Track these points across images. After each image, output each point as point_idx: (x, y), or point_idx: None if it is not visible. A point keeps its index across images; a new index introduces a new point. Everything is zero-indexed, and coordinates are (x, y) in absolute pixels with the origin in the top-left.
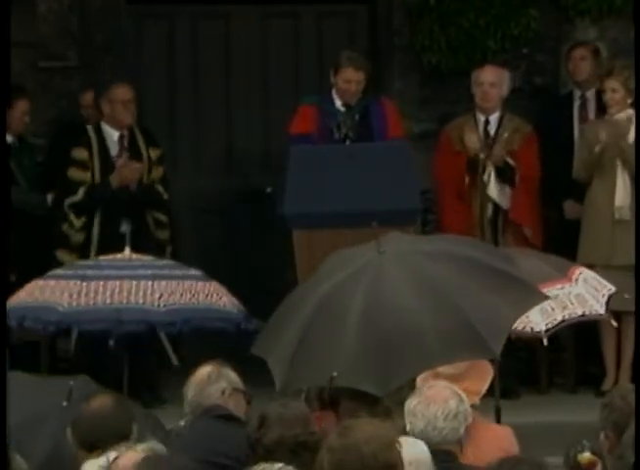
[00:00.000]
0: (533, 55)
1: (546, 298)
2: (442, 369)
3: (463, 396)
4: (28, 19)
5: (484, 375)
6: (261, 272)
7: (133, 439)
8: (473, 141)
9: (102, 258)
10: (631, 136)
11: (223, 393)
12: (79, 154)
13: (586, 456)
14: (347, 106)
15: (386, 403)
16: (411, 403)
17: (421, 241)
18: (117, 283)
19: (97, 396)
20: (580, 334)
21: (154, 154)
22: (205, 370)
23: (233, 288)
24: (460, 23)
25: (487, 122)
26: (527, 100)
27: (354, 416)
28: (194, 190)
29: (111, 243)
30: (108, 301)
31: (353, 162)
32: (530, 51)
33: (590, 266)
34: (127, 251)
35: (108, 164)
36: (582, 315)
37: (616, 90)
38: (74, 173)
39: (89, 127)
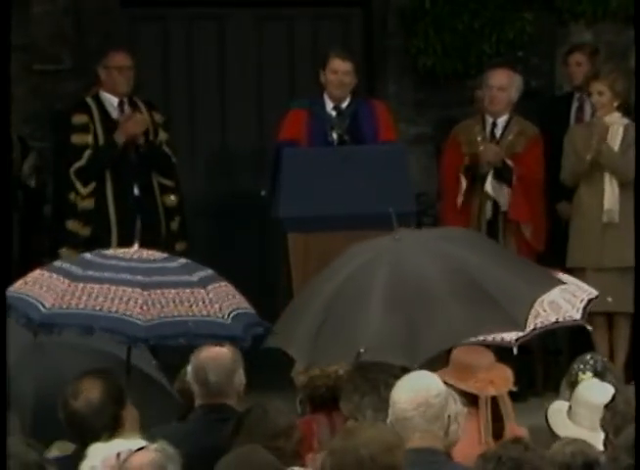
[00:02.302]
0: (528, 58)
1: (562, 283)
2: (472, 360)
3: (446, 391)
4: (23, 21)
5: (506, 367)
6: (256, 276)
7: (130, 427)
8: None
9: (121, 255)
10: (617, 139)
11: (240, 385)
12: (79, 119)
13: (586, 378)
14: (338, 109)
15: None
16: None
17: (434, 230)
18: (174, 291)
19: (83, 389)
20: (576, 337)
21: (158, 118)
22: (227, 354)
23: None
24: (455, 27)
25: (495, 125)
26: (523, 103)
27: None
28: (188, 192)
29: (126, 207)
30: (175, 313)
31: (348, 164)
32: (525, 54)
33: (581, 270)
34: (136, 246)
35: (110, 126)
36: (556, 322)
37: (602, 93)
38: (76, 139)
39: (88, 98)
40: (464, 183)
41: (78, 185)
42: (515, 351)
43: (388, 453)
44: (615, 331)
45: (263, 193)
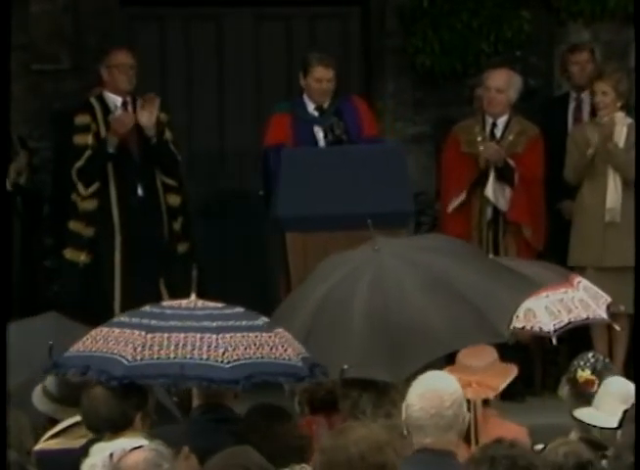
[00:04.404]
0: (526, 57)
1: (539, 287)
2: (469, 361)
3: (460, 398)
4: (21, 20)
5: (505, 373)
6: (254, 276)
7: (138, 427)
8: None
9: (166, 304)
10: (621, 139)
11: (236, 396)
12: (82, 119)
13: (584, 375)
14: (320, 109)
15: (393, 395)
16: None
17: (413, 239)
18: (182, 336)
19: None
20: (574, 336)
21: (163, 117)
22: None
23: (225, 292)
24: (453, 26)
25: (495, 125)
26: (521, 102)
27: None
28: (187, 191)
29: (129, 208)
30: (172, 355)
31: (346, 164)
32: (524, 53)
33: (581, 269)
34: (193, 296)
35: None
36: (587, 318)
37: (606, 93)
38: (78, 139)
39: (92, 99)
40: (464, 196)
41: (80, 186)
42: (554, 341)
43: (379, 452)
44: (613, 332)
45: (261, 193)
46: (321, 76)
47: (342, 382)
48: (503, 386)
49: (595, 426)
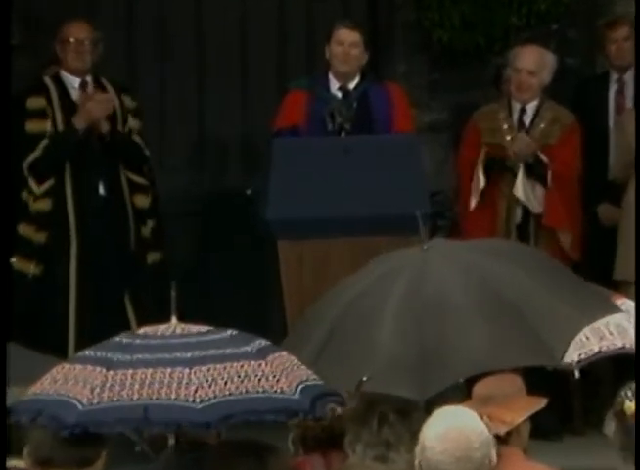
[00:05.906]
0: (564, 32)
1: (619, 310)
2: (485, 391)
3: (489, 437)
4: None
5: (527, 406)
6: (241, 287)
7: (99, 465)
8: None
9: (141, 332)
10: None
11: (219, 434)
12: (36, 102)
13: (633, 407)
14: (345, 90)
15: (387, 435)
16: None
17: (473, 242)
18: (149, 372)
19: None
20: (619, 365)
21: (128, 102)
22: None
23: (208, 305)
24: None
25: (523, 111)
26: (557, 84)
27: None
28: (159, 190)
29: (88, 209)
30: (135, 396)
31: (350, 158)
32: (560, 28)
33: (628, 283)
34: (174, 320)
35: (70, 111)
36: (622, 347)
37: None
38: (32, 126)
39: (46, 78)
40: (482, 181)
41: (32, 182)
42: (577, 374)
43: None
44: None
45: (249, 192)
46: (344, 39)
47: (353, 411)
48: (519, 420)
49: None
